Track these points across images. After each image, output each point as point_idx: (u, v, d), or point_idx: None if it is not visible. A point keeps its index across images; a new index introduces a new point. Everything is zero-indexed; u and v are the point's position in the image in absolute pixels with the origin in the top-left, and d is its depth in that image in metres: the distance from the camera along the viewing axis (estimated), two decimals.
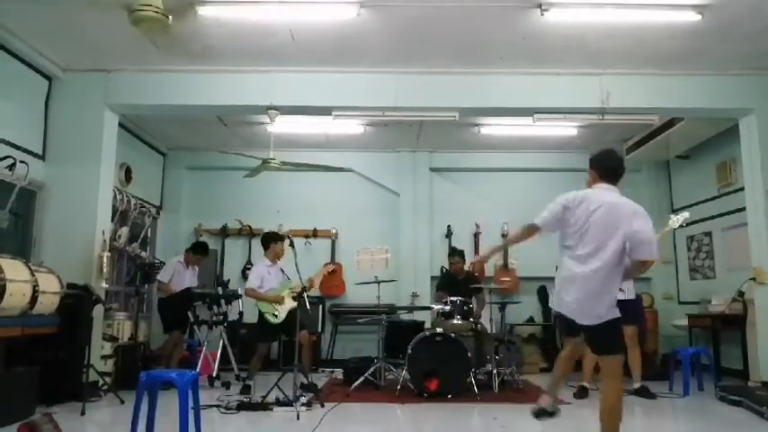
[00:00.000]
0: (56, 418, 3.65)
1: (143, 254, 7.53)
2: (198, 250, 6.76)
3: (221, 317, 6.74)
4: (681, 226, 5.37)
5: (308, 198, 8.66)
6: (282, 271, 5.87)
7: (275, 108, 6.04)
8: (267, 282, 5.68)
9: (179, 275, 6.52)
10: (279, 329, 5.69)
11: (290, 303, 5.61)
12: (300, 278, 5.08)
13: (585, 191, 3.28)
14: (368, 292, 6.57)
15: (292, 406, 4.57)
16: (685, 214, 5.35)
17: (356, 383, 5.66)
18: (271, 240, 5.90)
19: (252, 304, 5.93)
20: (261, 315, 5.63)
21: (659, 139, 7.28)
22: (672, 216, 5.36)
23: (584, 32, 5.19)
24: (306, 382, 5.41)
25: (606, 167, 3.31)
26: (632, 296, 5.57)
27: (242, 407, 4.78)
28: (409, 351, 5.43)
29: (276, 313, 5.56)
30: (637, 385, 5.49)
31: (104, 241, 5.85)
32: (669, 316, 7.81)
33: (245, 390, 5.57)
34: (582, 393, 5.47)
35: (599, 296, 3.04)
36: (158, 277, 6.48)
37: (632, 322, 5.54)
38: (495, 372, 5.60)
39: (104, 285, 5.77)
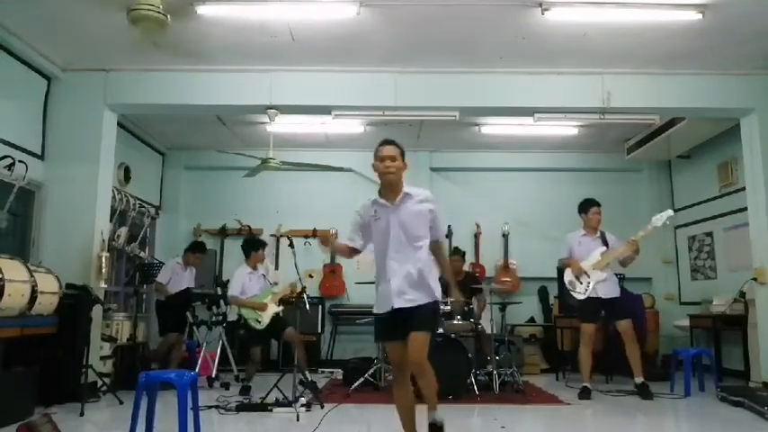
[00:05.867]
0: (55, 418, 3.63)
1: (142, 254, 7.52)
2: (197, 249, 6.74)
3: (220, 317, 6.73)
4: (665, 224, 5.36)
5: (307, 198, 8.62)
6: (264, 276, 5.93)
7: (275, 107, 6.02)
8: (249, 288, 5.78)
9: (177, 277, 6.49)
10: (265, 334, 5.78)
11: (273, 308, 5.70)
12: (300, 279, 5.09)
13: None
14: (368, 292, 6.51)
15: (292, 407, 4.56)
16: (669, 212, 5.33)
17: (356, 384, 5.63)
18: (251, 248, 6.00)
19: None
20: (245, 321, 5.71)
21: (660, 139, 7.26)
22: (656, 215, 5.35)
23: (585, 32, 5.17)
24: (304, 379, 5.40)
25: None
26: (618, 293, 5.57)
27: (241, 408, 4.76)
28: None
29: (259, 319, 5.64)
30: (639, 380, 5.44)
31: (103, 241, 5.83)
32: (670, 316, 7.78)
33: (245, 390, 5.56)
34: (585, 394, 5.45)
35: None
36: (157, 279, 6.45)
37: (626, 316, 5.53)
38: (495, 372, 5.58)
39: (103, 286, 5.74)
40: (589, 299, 5.52)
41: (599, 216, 5.70)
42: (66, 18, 4.98)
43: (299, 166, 7.14)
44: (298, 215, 8.46)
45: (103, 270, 5.69)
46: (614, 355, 6.09)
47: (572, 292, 5.62)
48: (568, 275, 5.65)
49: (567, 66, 5.88)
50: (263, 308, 5.66)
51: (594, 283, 5.50)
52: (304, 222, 8.49)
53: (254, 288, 5.79)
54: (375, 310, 3.27)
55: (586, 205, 5.76)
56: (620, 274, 5.90)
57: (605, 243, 5.61)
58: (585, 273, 5.54)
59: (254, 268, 5.93)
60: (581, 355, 5.62)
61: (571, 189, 8.58)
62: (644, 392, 5.35)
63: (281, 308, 5.74)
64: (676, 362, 5.88)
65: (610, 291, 5.52)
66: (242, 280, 5.77)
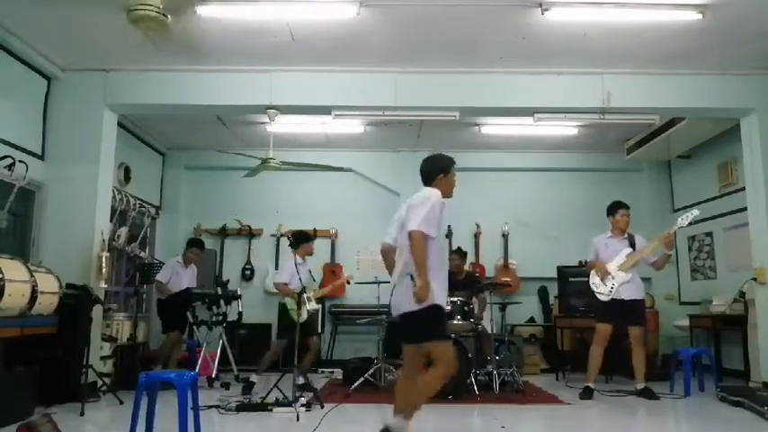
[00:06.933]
0: (55, 418, 3.63)
1: (142, 254, 7.52)
2: (195, 245, 6.74)
3: (221, 317, 6.72)
4: (690, 223, 5.36)
5: (307, 198, 8.63)
6: (310, 271, 5.90)
7: (275, 108, 6.02)
8: (296, 279, 5.70)
9: (177, 276, 6.50)
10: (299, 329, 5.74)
11: (312, 305, 5.69)
12: (300, 279, 5.09)
13: None
14: (368, 292, 6.54)
15: (292, 407, 4.56)
16: (695, 211, 5.30)
17: (356, 384, 5.63)
18: (303, 240, 5.97)
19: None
20: (286, 311, 5.66)
21: (660, 139, 7.26)
22: (681, 215, 5.33)
23: (585, 32, 5.18)
24: (303, 382, 5.39)
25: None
26: (641, 296, 5.55)
27: (241, 407, 4.76)
28: None
29: (300, 312, 5.61)
30: (640, 386, 5.45)
31: (103, 241, 5.83)
32: (670, 316, 7.78)
33: (247, 388, 5.57)
34: (586, 394, 5.45)
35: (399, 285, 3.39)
36: (157, 277, 6.46)
37: (639, 323, 5.53)
38: (495, 372, 5.58)
39: (103, 286, 5.74)
40: (612, 300, 5.51)
41: (627, 218, 5.65)
42: (66, 18, 4.98)
43: (299, 166, 7.14)
44: (298, 215, 8.46)
45: (103, 270, 5.70)
46: (615, 354, 6.09)
47: (596, 294, 5.60)
48: (594, 277, 5.63)
49: (567, 66, 5.88)
50: (304, 302, 5.60)
51: (619, 285, 5.47)
52: (304, 222, 8.43)
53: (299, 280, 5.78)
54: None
55: (614, 207, 5.71)
56: None
57: (632, 245, 5.58)
58: (610, 274, 5.52)
59: (303, 259, 5.89)
60: (591, 355, 5.60)
61: (571, 189, 8.61)
62: (648, 395, 5.36)
63: (318, 306, 5.73)
64: (676, 362, 5.88)
65: (633, 292, 5.47)
66: (292, 270, 5.67)
